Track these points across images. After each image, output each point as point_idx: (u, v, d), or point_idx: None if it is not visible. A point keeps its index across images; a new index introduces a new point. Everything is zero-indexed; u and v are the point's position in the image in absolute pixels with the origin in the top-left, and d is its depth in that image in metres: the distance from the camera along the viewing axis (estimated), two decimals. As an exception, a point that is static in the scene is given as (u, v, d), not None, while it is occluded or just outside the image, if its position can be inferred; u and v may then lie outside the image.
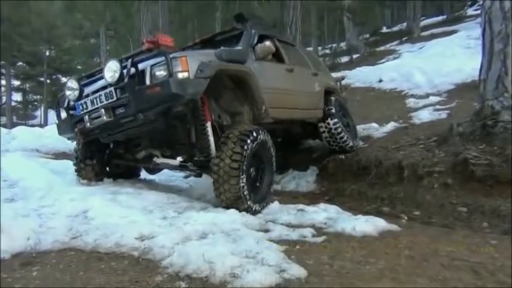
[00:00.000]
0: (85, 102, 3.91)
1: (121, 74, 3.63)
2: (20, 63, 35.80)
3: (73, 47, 33.80)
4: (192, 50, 5.37)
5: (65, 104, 4.24)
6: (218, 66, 3.86)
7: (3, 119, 36.24)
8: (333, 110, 5.76)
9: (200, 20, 20.79)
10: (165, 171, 5.21)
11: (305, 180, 6.16)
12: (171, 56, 3.57)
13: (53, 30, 31.19)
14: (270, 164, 4.28)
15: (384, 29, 30.25)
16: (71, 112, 4.15)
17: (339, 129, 5.75)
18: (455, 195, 4.49)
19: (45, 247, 2.86)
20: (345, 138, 5.80)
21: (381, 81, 11.76)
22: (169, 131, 4.16)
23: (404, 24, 27.09)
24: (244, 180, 3.70)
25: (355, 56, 18.84)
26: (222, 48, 4.25)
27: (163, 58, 3.54)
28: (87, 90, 4.04)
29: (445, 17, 25.93)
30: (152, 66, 3.63)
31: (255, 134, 3.84)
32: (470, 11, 25.63)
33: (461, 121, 5.61)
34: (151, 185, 4.89)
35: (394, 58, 15.84)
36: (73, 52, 34.96)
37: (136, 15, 18.54)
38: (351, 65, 17.05)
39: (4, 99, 36.81)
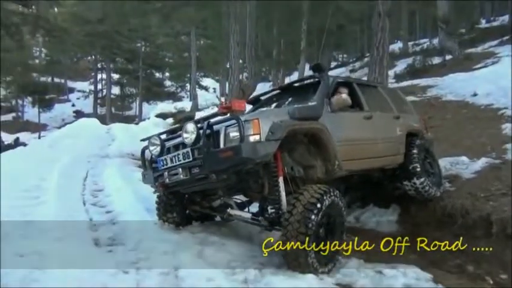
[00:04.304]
0: (165, 159, 4.27)
1: (197, 135, 3.90)
2: (119, 59, 38.59)
3: (165, 43, 35.70)
4: (268, 100, 5.69)
5: (149, 158, 4.65)
6: (290, 127, 3.94)
7: (103, 110, 39.57)
8: (419, 169, 5.56)
9: (286, 24, 20.96)
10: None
11: (386, 219, 6.12)
12: (243, 118, 3.76)
13: (148, 29, 33.11)
14: (340, 221, 4.21)
15: (483, 23, 28.12)
16: (154, 166, 4.54)
17: (426, 188, 5.56)
18: (548, 261, 4.22)
19: (142, 310, 3.23)
20: (430, 191, 5.61)
21: (475, 95, 11.04)
22: (243, 185, 4.37)
23: (506, 17, 24.99)
24: (313, 254, 3.76)
25: (448, 58, 17.76)
26: (295, 106, 4.38)
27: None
28: (168, 144, 4.40)
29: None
30: (227, 127, 3.86)
31: (319, 205, 3.79)
32: None
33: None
34: (234, 228, 5.21)
35: (493, 63, 14.70)
36: (165, 48, 37.03)
37: (225, 18, 19.19)
38: (443, 69, 16.15)
39: (105, 92, 40.11)
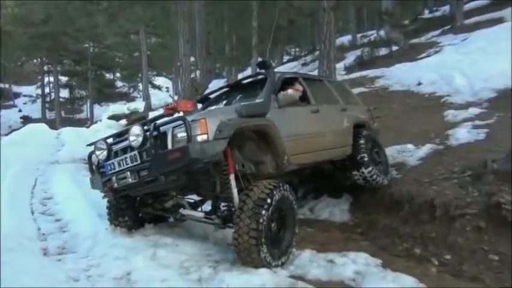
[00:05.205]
0: (113, 163, 4.20)
1: (144, 137, 3.87)
2: (66, 61, 37.26)
3: (115, 43, 34.83)
4: (218, 98, 5.70)
5: (96, 163, 4.56)
6: (237, 125, 3.99)
7: (53, 114, 38.09)
8: (366, 159, 5.74)
9: (237, 20, 20.95)
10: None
11: (339, 208, 6.29)
12: (190, 118, 3.77)
13: (95, 29, 32.17)
14: (292, 214, 4.30)
15: (426, 13, 29.19)
16: (101, 170, 4.46)
17: (374, 176, 5.75)
18: (487, 240, 4.45)
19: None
20: (378, 179, 5.81)
21: (419, 84, 11.51)
22: (194, 184, 4.38)
23: (448, 7, 26.04)
24: (265, 249, 3.82)
25: (394, 49, 18.35)
26: (242, 104, 4.43)
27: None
28: (115, 148, 4.32)
29: (491, -2, 24.59)
30: (174, 127, 3.84)
31: (269, 201, 3.87)
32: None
33: (497, 148, 5.58)
34: (188, 228, 5.20)
35: (436, 52, 15.29)
36: (115, 48, 36.12)
37: (173, 16, 18.93)
38: (390, 60, 16.67)
39: (53, 95, 38.63)
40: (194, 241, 4.65)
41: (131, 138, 3.94)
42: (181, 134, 3.76)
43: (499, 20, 16.46)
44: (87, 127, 22.21)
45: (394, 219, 5.49)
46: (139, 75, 35.15)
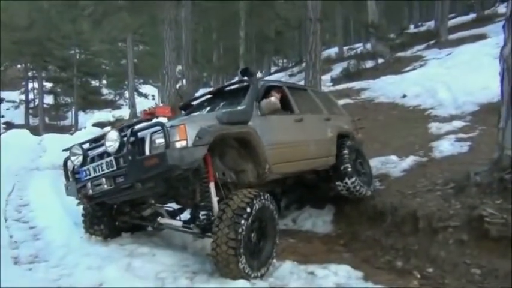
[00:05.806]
0: (88, 169, 4.05)
1: (121, 143, 3.75)
2: (51, 67, 36.79)
3: (101, 50, 34.55)
4: (201, 105, 5.60)
5: (71, 169, 4.41)
6: (217, 132, 3.89)
7: (36, 120, 37.47)
8: (350, 169, 5.66)
9: (225, 29, 20.96)
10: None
11: (321, 219, 6.21)
12: (169, 124, 3.67)
13: (81, 35, 31.89)
14: (273, 224, 4.20)
15: (412, 28, 29.65)
16: (76, 176, 4.30)
17: (358, 187, 5.68)
18: (469, 254, 4.40)
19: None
20: (361, 190, 5.74)
21: (404, 96, 11.63)
22: (173, 192, 4.25)
23: (433, 23, 26.48)
24: (244, 259, 3.70)
25: (380, 62, 18.54)
26: (223, 110, 4.37)
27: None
28: (91, 153, 4.18)
29: (474, 15, 25.08)
30: (152, 133, 3.72)
31: (249, 210, 3.76)
32: (501, 8, 24.70)
33: (480, 161, 5.59)
34: (166, 237, 5.07)
35: (420, 66, 15.50)
36: (101, 55, 35.85)
37: (161, 25, 18.86)
38: (376, 72, 16.81)
39: (37, 101, 38.04)
40: (172, 251, 4.51)
41: (107, 143, 3.81)
42: (160, 140, 3.65)
43: (482, 36, 16.80)
44: (71, 134, 21.88)
45: (377, 231, 5.43)
46: (126, 82, 34.87)
